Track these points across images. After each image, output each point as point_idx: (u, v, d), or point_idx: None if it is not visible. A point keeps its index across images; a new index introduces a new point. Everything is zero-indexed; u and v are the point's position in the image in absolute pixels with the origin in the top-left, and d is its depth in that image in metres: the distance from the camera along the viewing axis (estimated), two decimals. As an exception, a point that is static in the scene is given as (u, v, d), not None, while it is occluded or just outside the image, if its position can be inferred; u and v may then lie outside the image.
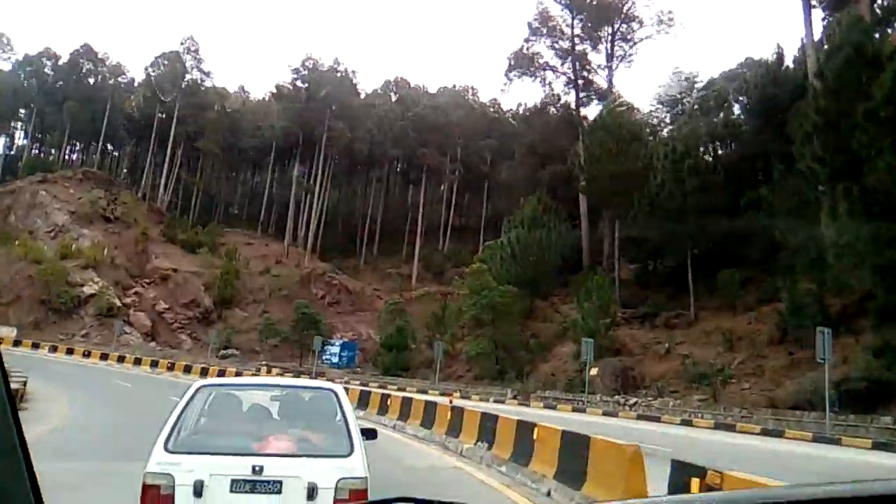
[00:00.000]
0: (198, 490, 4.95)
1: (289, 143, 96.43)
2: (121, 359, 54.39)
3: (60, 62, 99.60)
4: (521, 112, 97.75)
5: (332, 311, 74.28)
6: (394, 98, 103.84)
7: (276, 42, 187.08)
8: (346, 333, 70.68)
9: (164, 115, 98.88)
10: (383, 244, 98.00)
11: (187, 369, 49.25)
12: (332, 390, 6.15)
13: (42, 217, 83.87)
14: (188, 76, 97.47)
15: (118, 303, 68.41)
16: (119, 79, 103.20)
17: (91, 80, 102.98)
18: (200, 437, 5.80)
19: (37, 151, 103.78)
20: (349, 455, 5.29)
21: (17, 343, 56.35)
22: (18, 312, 66.17)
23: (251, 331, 69.37)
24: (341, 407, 5.76)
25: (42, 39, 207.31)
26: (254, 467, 5.05)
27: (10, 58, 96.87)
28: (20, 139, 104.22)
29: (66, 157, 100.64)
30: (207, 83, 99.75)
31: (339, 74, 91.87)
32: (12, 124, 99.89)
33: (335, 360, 63.12)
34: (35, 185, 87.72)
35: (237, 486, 5.04)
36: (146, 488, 5.00)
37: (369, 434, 6.24)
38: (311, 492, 5.03)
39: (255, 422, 6.00)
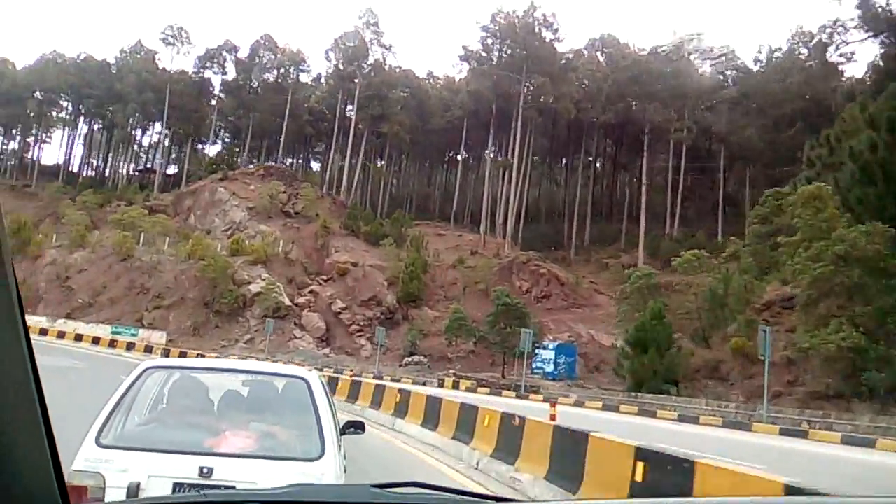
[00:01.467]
0: (132, 493, 3.88)
1: (481, 119, 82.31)
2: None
3: (241, 54, 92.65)
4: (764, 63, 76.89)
5: (540, 307, 58.18)
6: (601, 58, 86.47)
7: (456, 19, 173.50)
8: (561, 334, 54.21)
9: (346, 104, 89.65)
10: (595, 230, 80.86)
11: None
12: (303, 378, 4.89)
13: (220, 215, 76.00)
14: (371, 55, 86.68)
15: (286, 301, 56.98)
16: (299, 68, 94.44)
17: (273, 73, 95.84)
18: (144, 429, 4.67)
19: (221, 150, 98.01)
20: (319, 458, 4.26)
21: (166, 353, 45.73)
22: (180, 316, 56.73)
23: (441, 333, 55.15)
24: (313, 399, 4.59)
25: (221, 30, 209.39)
26: (201, 469, 4.07)
27: (188, 52, 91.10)
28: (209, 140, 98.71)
29: (248, 153, 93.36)
30: (391, 60, 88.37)
31: (536, 30, 76.03)
32: (193, 126, 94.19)
33: (549, 368, 46.86)
34: (215, 183, 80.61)
35: (180, 490, 4.02)
36: (71, 488, 2.40)
37: (356, 427, 5.59)
38: None
39: (211, 414, 4.85)
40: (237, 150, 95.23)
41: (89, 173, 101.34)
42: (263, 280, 57.85)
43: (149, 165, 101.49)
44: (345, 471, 4.69)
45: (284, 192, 77.67)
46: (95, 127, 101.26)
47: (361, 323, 57.66)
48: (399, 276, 60.71)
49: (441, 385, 39.11)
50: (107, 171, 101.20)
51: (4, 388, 1.13)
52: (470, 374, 44.36)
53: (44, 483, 1.26)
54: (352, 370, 42.16)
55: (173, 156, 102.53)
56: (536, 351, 46.15)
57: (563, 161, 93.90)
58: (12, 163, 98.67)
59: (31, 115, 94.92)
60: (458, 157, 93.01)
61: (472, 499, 1.92)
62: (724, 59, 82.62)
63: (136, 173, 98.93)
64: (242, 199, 76.77)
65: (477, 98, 79.66)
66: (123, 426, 4.53)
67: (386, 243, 67.25)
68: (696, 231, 70.87)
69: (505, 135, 79.47)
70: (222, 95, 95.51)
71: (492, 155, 78.31)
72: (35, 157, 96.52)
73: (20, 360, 1.15)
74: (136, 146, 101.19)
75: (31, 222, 75.73)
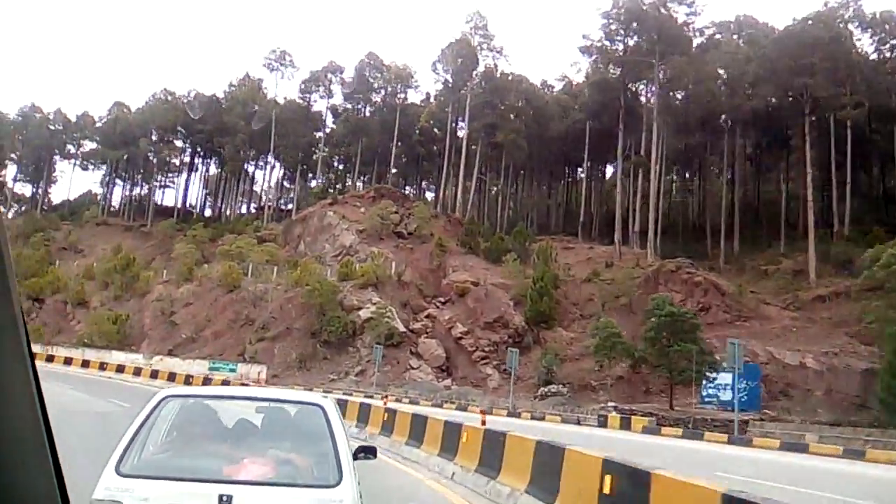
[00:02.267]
0: None
1: (604, 121, 73.45)
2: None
3: (346, 75, 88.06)
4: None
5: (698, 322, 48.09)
6: (739, 42, 75.70)
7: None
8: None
9: (458, 119, 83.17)
10: (743, 236, 69.57)
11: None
12: (319, 405, 4.86)
13: (330, 240, 70.43)
14: (481, 61, 79.83)
15: (400, 327, 49.77)
16: (407, 85, 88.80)
17: (381, 94, 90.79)
18: (162, 457, 4.62)
19: (330, 175, 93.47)
20: (336, 485, 4.26)
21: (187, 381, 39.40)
22: (285, 348, 50.61)
23: (581, 357, 46.25)
24: (329, 426, 4.60)
25: (325, 52, 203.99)
26: (221, 497, 4.04)
27: (293, 76, 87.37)
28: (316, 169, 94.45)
29: (358, 177, 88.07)
30: (502, 65, 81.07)
31: (666, 9, 66.58)
32: (301, 153, 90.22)
33: (726, 395, 36.76)
34: (325, 208, 75.42)
35: None
36: None
37: (367, 452, 5.31)
38: None
39: (229, 441, 4.78)
40: (347, 174, 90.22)
41: (206, 213, 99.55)
42: (374, 304, 51.01)
43: (262, 198, 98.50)
44: (360, 496, 4.45)
45: (396, 213, 71.35)
46: (211, 167, 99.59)
47: (486, 349, 49.55)
48: (526, 293, 52.38)
49: (604, 424, 30.10)
50: (220, 207, 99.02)
51: (9, 412, 1.14)
52: (628, 407, 35.12)
53: (47, 486, 1.27)
54: (478, 406, 34.00)
55: (284, 185, 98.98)
56: (707, 374, 36.40)
57: (697, 163, 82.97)
58: (129, 204, 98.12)
59: (149, 156, 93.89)
60: (582, 165, 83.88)
61: None
62: (886, 27, 70.23)
63: (252, 210, 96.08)
64: (352, 223, 70.93)
65: (602, 91, 70.88)
66: (142, 455, 4.45)
67: (508, 259, 59.15)
68: (871, 229, 58.78)
69: (633, 136, 70.22)
70: (330, 121, 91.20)
71: (622, 154, 68.76)
72: (152, 198, 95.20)
73: (26, 387, 1.17)
74: (248, 181, 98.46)
75: (143, 260, 73.21)
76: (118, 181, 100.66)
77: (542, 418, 32.27)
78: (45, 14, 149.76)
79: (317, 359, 49.13)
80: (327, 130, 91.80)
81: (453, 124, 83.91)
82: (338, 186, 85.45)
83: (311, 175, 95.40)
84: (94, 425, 14.60)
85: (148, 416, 4.55)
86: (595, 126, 75.14)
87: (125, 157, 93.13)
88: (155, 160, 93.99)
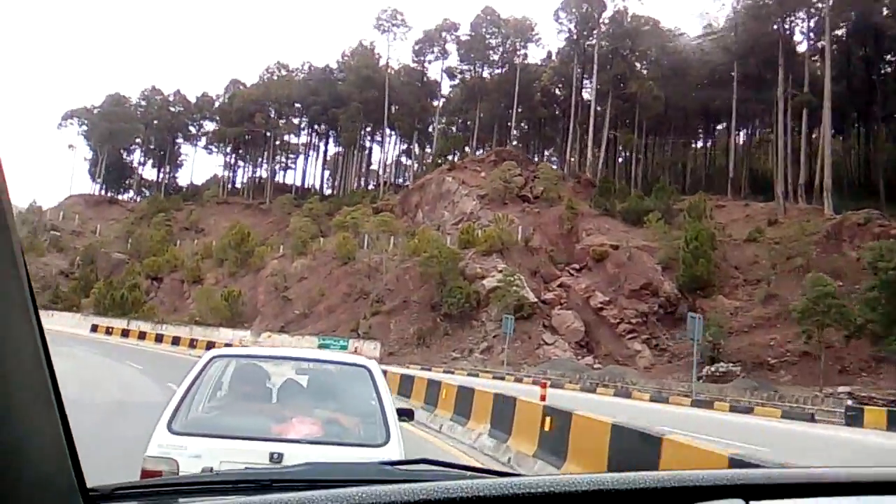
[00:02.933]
0: None
1: (750, 65, 63.33)
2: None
3: (461, 32, 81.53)
4: None
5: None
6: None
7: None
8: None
9: (584, 74, 75.02)
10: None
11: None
12: (364, 366, 4.76)
13: (449, 207, 64.54)
14: (609, 5, 71.23)
15: (531, 297, 43.00)
16: (527, 39, 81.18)
17: (498, 52, 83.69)
18: (212, 416, 4.64)
19: (447, 140, 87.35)
20: (385, 444, 4.16)
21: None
22: (402, 323, 45.05)
23: (752, 328, 37.86)
24: (376, 387, 4.53)
25: (439, 10, 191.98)
26: (272, 455, 3.95)
27: (405, 36, 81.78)
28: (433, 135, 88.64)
29: (475, 144, 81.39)
30: (633, 6, 71.94)
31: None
32: (418, 119, 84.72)
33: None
34: (443, 174, 69.61)
35: None
36: (146, 473, 3.84)
37: (405, 415, 5.09)
38: None
39: (277, 400, 4.85)
40: (466, 140, 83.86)
41: (326, 192, 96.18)
42: (500, 271, 44.46)
43: (379, 171, 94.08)
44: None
45: (520, 175, 64.50)
46: (329, 146, 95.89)
47: (633, 321, 41.88)
48: (678, 256, 44.23)
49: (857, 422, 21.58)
50: (339, 185, 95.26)
51: (19, 382, 1.14)
52: (866, 394, 26.58)
53: (64, 479, 1.26)
54: (639, 389, 26.78)
55: (401, 160, 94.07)
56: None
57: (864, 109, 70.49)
58: (251, 184, 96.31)
59: (266, 132, 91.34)
60: (723, 116, 73.55)
61: (478, 473, 1.84)
62: None
63: (371, 187, 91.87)
64: (473, 188, 64.72)
65: (754, 24, 60.62)
66: (192, 413, 4.45)
67: (651, 220, 50.86)
68: None
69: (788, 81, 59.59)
70: (446, 87, 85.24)
71: (785, 94, 58.46)
72: (271, 175, 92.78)
73: (35, 356, 1.16)
74: (365, 157, 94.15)
75: (260, 237, 70.12)
76: (240, 162, 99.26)
77: (750, 409, 24.49)
78: None
79: (437, 334, 43.24)
80: (443, 94, 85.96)
81: (578, 81, 75.79)
82: (455, 150, 79.11)
83: (427, 144, 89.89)
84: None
85: (197, 376, 4.51)
86: (743, 71, 65.00)
87: (246, 136, 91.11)
88: (271, 135, 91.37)
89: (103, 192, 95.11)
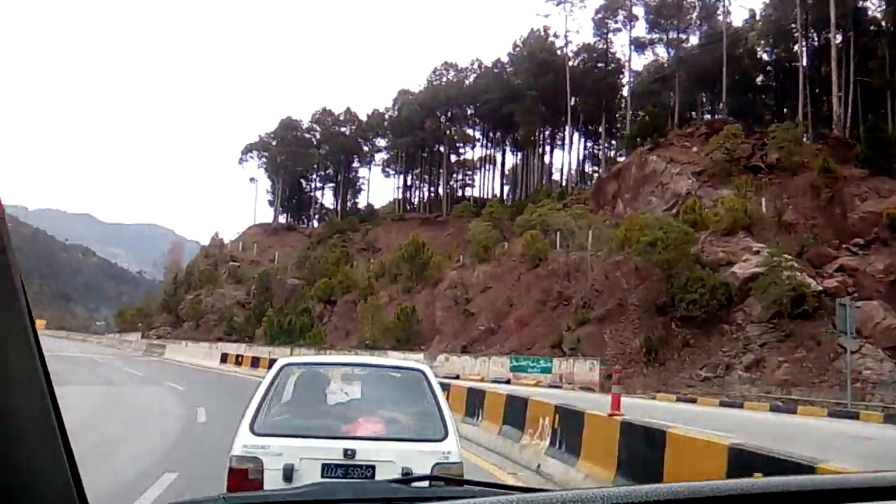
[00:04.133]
0: (287, 475, 4.34)
1: None
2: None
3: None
4: None
5: None
6: None
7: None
8: None
9: (806, 22, 59.27)
10: None
11: None
12: (419, 370, 5.32)
13: (657, 191, 51.46)
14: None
15: (813, 285, 29.16)
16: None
17: (693, 13, 69.57)
18: (287, 418, 4.99)
19: (643, 118, 73.76)
20: (443, 439, 4.65)
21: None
22: (621, 332, 32.80)
23: None
24: (431, 388, 4.99)
25: None
26: (346, 451, 4.42)
27: (584, 4, 69.80)
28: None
29: (678, 117, 67.19)
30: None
31: None
32: (605, 102, 72.11)
33: None
34: (642, 155, 56.70)
35: (329, 471, 4.43)
36: (233, 472, 4.38)
37: None
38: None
39: (342, 402, 5.43)
40: (664, 115, 70.03)
41: (510, 198, 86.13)
42: (755, 253, 31.07)
43: (564, 166, 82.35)
44: None
45: (746, 143, 50.29)
46: (507, 156, 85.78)
47: None
48: None
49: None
50: (518, 193, 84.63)
51: (21, 407, 1.14)
52: None
53: (64, 489, 1.25)
54: None
55: (585, 153, 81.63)
56: None
57: None
58: (425, 200, 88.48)
59: (440, 133, 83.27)
60: None
61: (490, 489, 1.82)
62: None
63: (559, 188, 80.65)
64: (685, 165, 51.33)
65: None
66: (269, 416, 4.74)
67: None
68: None
69: None
70: (637, 64, 72.18)
71: None
72: (445, 180, 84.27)
73: (36, 381, 1.16)
74: (545, 159, 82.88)
75: (438, 250, 61.03)
76: (416, 182, 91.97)
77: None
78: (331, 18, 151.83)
79: (673, 346, 30.56)
80: (634, 69, 72.92)
81: (802, 28, 60.02)
82: (655, 126, 65.62)
83: (615, 129, 77.07)
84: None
85: (272, 383, 4.87)
86: None
87: (422, 153, 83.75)
88: (445, 145, 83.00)
89: (283, 220, 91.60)
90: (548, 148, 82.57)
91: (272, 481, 4.25)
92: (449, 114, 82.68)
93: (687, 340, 30.26)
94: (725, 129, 51.41)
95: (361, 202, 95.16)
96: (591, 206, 55.41)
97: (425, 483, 2.05)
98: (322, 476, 4.34)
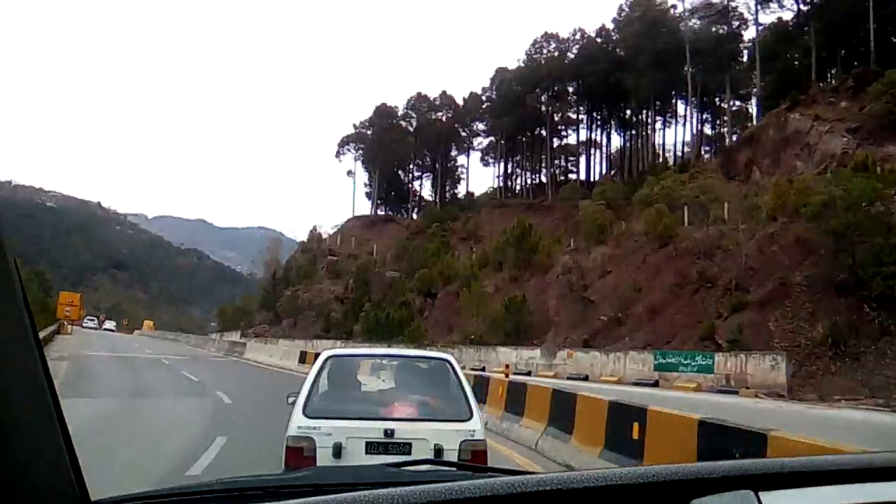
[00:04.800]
0: (336, 452, 4.98)
1: None
2: None
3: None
4: None
5: None
6: None
7: None
8: None
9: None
10: None
11: None
12: (445, 359, 5.93)
13: (802, 153, 43.61)
14: None
15: None
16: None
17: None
18: (333, 403, 5.62)
19: (783, 72, 64.46)
20: (469, 419, 5.26)
21: None
22: (792, 318, 25.77)
23: None
24: (456, 375, 5.61)
25: None
26: (385, 431, 5.05)
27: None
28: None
29: (814, 73, 57.82)
30: None
31: None
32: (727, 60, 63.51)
33: None
34: (780, 115, 48.60)
35: (371, 448, 5.04)
36: (290, 450, 5.00)
37: None
38: (438, 453, 5.05)
39: (379, 388, 6.23)
40: (803, 71, 60.74)
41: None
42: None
43: (687, 126, 74.03)
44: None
45: (911, 92, 41.47)
46: (609, 133, 78.22)
47: None
48: None
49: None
50: (626, 173, 77.14)
51: (20, 396, 1.15)
52: None
53: (67, 491, 1.27)
54: None
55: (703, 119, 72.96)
56: None
57: None
58: (527, 186, 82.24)
59: (542, 110, 77.04)
60: None
61: (484, 473, 1.91)
62: None
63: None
64: (835, 122, 43.22)
65: None
66: (317, 401, 5.34)
67: None
68: None
69: None
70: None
71: None
72: (548, 162, 77.82)
73: (34, 370, 1.18)
74: (655, 137, 74.89)
75: (545, 234, 54.94)
76: (517, 170, 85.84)
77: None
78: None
79: (866, 333, 23.32)
80: (759, 22, 63.98)
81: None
82: (793, 81, 56.63)
83: (740, 97, 68.34)
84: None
85: (319, 372, 5.50)
86: None
87: (523, 133, 77.77)
88: (548, 126, 76.59)
89: (380, 211, 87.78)
90: (658, 125, 74.57)
91: (324, 457, 4.86)
92: (551, 91, 76.10)
93: (887, 327, 23.00)
94: (887, 74, 42.85)
95: (460, 191, 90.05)
96: (721, 178, 47.93)
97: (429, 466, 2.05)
98: (366, 452, 4.93)
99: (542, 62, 74.25)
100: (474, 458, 4.96)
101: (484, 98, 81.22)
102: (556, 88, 74.69)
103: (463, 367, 5.98)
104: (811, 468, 1.19)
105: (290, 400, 5.57)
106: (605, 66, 68.53)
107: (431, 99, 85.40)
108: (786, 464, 1.19)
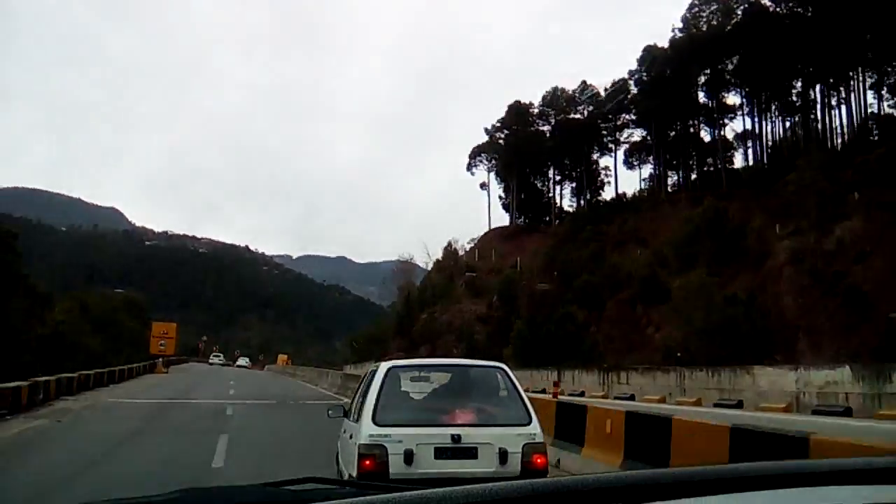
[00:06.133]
0: (408, 458, 5.16)
1: None
2: None
3: None
4: None
5: None
6: None
7: None
8: None
9: None
10: None
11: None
12: (501, 367, 6.13)
13: None
14: None
15: None
16: None
17: None
18: (399, 411, 5.71)
19: None
20: (529, 423, 5.48)
21: None
22: None
23: None
24: (511, 382, 5.81)
25: None
26: (453, 436, 5.23)
27: None
28: None
29: None
30: None
31: None
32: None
33: None
34: None
35: (440, 453, 5.23)
36: (363, 457, 5.14)
37: None
38: (503, 456, 5.27)
39: (438, 397, 6.27)
40: None
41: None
42: None
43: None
44: None
45: None
46: (767, 113, 63.53)
47: None
48: None
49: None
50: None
51: None
52: None
53: None
54: None
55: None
56: None
57: None
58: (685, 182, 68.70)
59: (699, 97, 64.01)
60: None
61: (366, 490, 1.76)
62: None
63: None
64: None
65: None
66: (387, 409, 5.47)
67: None
68: None
69: None
70: None
71: None
72: (720, 144, 64.18)
73: None
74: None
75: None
76: (672, 161, 72.54)
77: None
78: None
79: None
80: None
81: None
82: None
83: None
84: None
85: (383, 383, 5.59)
86: None
87: (674, 123, 65.10)
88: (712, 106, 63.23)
89: (519, 221, 77.01)
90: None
91: (396, 464, 5.09)
92: (709, 70, 62.94)
93: None
94: None
95: (606, 194, 77.57)
96: None
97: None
98: (435, 458, 5.18)
99: (698, 35, 61.17)
100: (535, 460, 5.27)
101: (632, 82, 68.99)
102: (714, 69, 61.21)
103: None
104: (686, 479, 1.14)
105: (336, 414, 6.45)
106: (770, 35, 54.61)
107: (570, 92, 74.13)
108: (661, 475, 1.16)
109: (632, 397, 22.61)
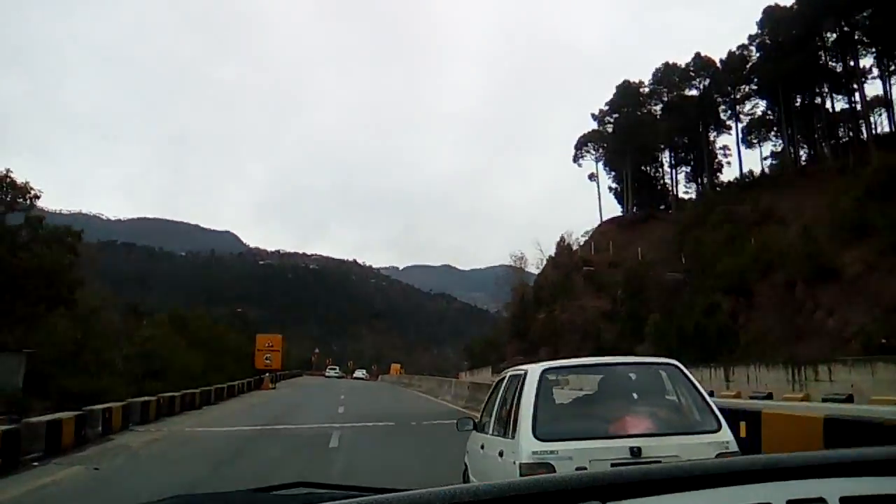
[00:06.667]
0: None
1: None
2: None
3: None
4: None
5: None
6: None
7: None
8: None
9: None
10: None
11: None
12: (674, 364, 4.96)
13: None
14: None
15: None
16: None
17: None
18: (562, 421, 4.90)
19: None
20: (718, 429, 4.49)
21: None
22: None
23: None
24: (690, 381, 4.78)
25: None
26: (632, 450, 4.29)
27: None
28: None
29: None
30: None
31: None
32: None
33: None
34: None
35: None
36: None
37: None
38: None
39: (602, 402, 5.13)
40: None
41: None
42: None
43: None
44: None
45: None
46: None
47: None
48: None
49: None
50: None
51: None
52: None
53: None
54: None
55: None
56: None
57: None
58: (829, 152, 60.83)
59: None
60: None
61: (355, 492, 1.75)
62: None
63: None
64: None
65: None
66: (547, 420, 4.58)
67: None
68: None
69: None
70: None
71: None
72: (864, 112, 56.25)
73: None
74: None
75: None
76: (797, 135, 64.76)
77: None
78: None
79: None
80: None
81: None
82: None
83: None
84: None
85: (538, 390, 4.67)
86: None
87: (799, 94, 57.74)
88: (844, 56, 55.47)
89: (636, 210, 71.24)
90: None
91: None
92: (838, 29, 55.29)
93: None
94: None
95: (724, 176, 70.42)
96: None
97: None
98: None
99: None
100: None
101: (753, 47, 61.96)
102: (843, 28, 53.49)
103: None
104: (662, 476, 1.13)
105: (465, 427, 5.77)
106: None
107: (683, 66, 67.81)
108: (636, 472, 1.15)
109: (769, 396, 18.20)
